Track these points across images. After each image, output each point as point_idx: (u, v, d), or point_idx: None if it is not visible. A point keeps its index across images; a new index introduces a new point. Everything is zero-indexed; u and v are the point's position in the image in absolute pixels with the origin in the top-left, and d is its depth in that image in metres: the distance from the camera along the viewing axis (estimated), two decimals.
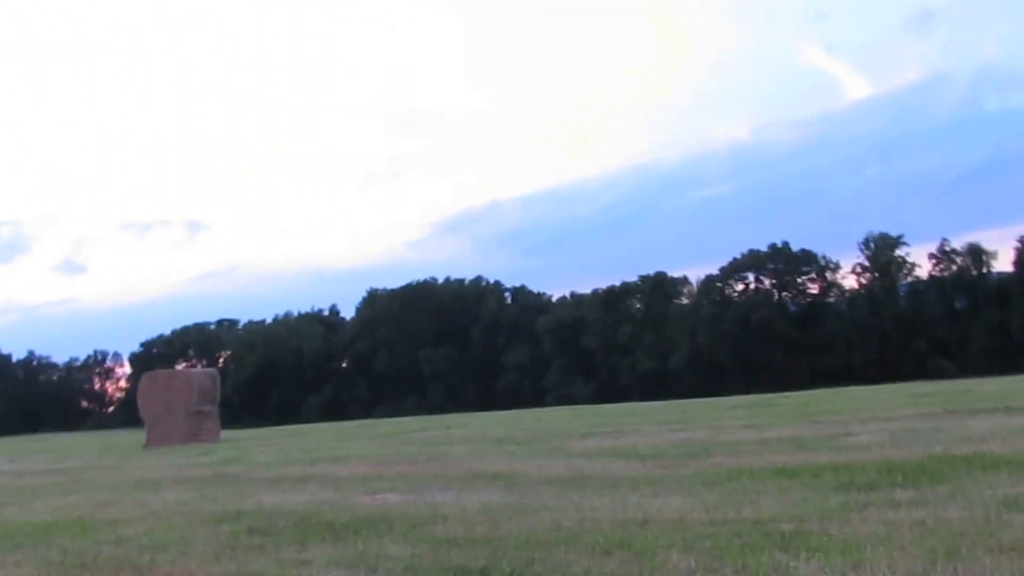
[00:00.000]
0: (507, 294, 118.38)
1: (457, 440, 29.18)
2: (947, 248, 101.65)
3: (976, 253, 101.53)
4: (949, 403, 31.77)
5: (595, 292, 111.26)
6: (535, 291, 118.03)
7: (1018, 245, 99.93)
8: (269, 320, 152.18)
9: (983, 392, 39.53)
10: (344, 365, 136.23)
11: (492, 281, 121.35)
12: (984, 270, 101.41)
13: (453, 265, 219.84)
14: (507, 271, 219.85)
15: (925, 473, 13.24)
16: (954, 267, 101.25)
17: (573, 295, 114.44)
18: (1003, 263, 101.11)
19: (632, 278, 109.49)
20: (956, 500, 10.85)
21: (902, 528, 9.46)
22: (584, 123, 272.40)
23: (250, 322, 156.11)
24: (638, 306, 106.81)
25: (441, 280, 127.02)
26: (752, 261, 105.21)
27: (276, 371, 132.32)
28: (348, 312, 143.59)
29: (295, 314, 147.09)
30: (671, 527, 10.46)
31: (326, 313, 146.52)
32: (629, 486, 14.35)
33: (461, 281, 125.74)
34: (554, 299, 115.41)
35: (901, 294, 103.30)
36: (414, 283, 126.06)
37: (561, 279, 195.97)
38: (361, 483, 16.77)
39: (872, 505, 10.99)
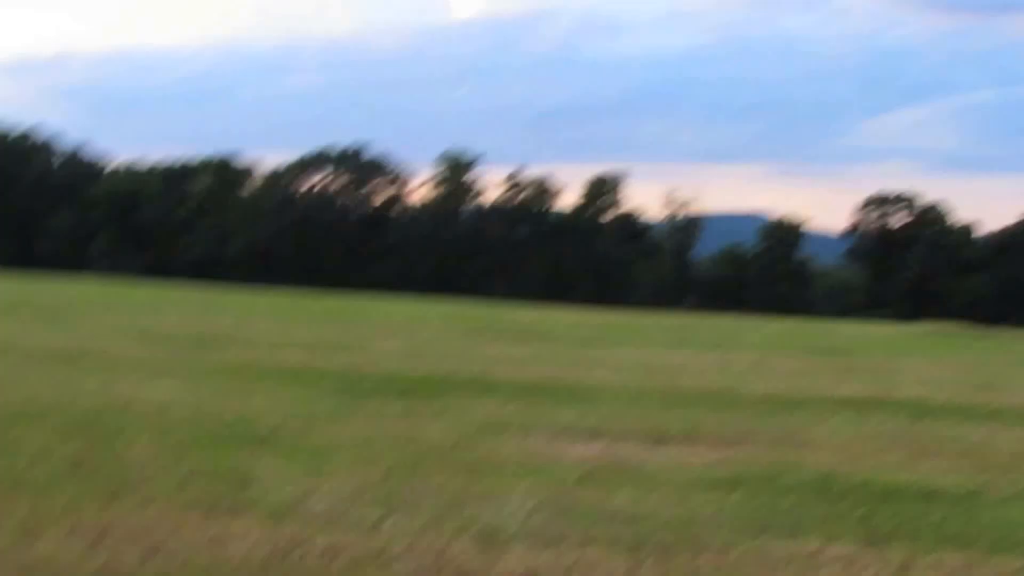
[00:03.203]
0: (60, 154, 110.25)
1: None
2: (518, 178, 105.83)
3: (544, 187, 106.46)
4: (481, 325, 33.26)
5: (157, 166, 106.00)
6: (94, 154, 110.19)
7: (586, 184, 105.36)
8: None
9: (516, 320, 41.74)
10: None
11: (46, 137, 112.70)
12: (548, 206, 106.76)
13: (8, 113, 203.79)
14: (68, 127, 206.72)
15: (424, 388, 13.62)
16: (521, 197, 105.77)
17: (133, 165, 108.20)
18: (568, 200, 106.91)
19: (199, 157, 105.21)
20: (441, 418, 11.17)
21: (379, 439, 9.56)
22: None
23: None
24: (200, 188, 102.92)
25: None
26: (324, 159, 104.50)
27: None
28: None
29: None
30: (150, 415, 10.01)
31: None
32: (126, 368, 13.73)
33: (10, 133, 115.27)
34: (114, 165, 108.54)
35: (467, 214, 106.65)
36: None
37: (125, 145, 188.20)
38: None
39: (360, 414, 11.07)
